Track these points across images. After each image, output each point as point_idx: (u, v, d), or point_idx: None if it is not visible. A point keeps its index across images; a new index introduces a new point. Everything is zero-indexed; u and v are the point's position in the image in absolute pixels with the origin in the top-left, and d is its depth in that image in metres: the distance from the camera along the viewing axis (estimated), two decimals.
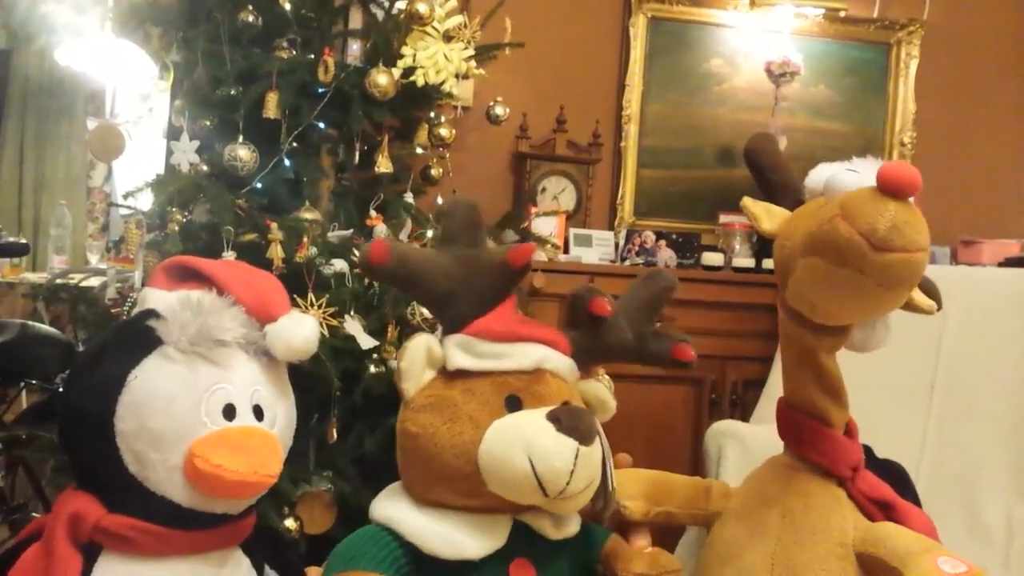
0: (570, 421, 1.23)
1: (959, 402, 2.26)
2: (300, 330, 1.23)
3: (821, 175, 1.42)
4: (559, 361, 1.38)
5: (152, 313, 1.17)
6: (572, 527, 1.38)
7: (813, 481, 1.46)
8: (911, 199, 1.19)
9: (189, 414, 1.13)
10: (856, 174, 1.31)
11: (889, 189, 1.17)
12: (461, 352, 1.33)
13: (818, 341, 1.40)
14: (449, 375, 1.34)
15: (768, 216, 1.44)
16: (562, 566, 1.40)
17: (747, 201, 1.47)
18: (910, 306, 1.40)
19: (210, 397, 1.15)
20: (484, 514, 1.30)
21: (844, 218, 1.20)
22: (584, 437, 1.23)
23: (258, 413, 1.20)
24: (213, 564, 1.20)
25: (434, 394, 1.33)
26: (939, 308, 1.44)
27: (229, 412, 1.16)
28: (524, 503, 1.28)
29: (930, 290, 1.44)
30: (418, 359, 1.34)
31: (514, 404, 1.30)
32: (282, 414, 1.25)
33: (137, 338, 1.16)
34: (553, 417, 1.24)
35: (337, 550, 1.31)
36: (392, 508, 1.34)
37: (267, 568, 1.31)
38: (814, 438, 1.45)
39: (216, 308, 1.18)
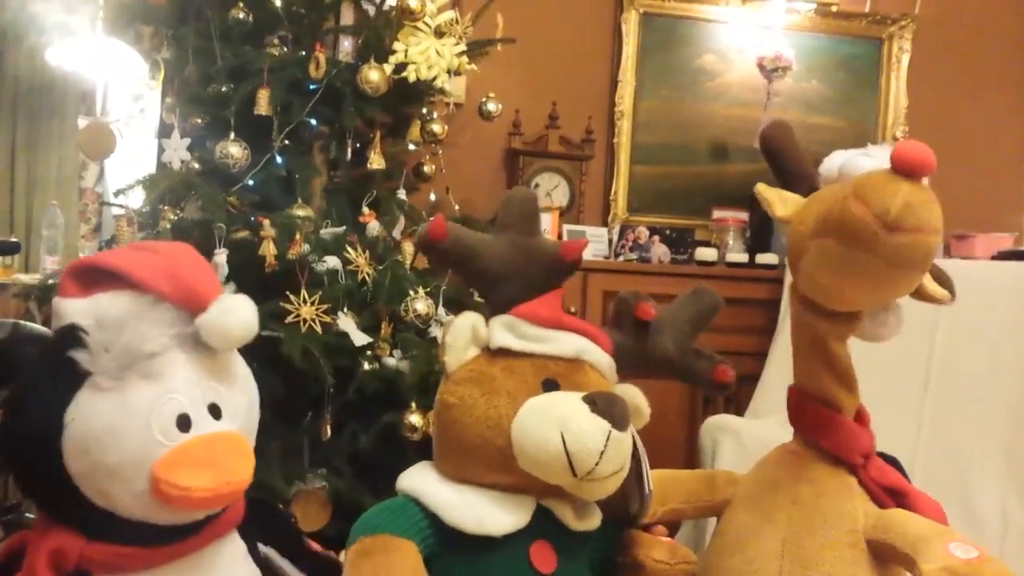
0: (605, 404, 1.25)
1: (953, 396, 2.26)
2: (235, 317, 1.12)
3: (835, 162, 1.41)
4: (599, 355, 1.40)
5: (70, 338, 1.05)
6: (594, 521, 1.39)
7: (823, 468, 1.45)
8: (925, 181, 1.18)
9: (141, 439, 1.04)
10: (871, 158, 1.30)
11: (903, 168, 1.16)
12: (506, 332, 1.35)
13: (830, 328, 1.40)
14: (491, 354, 1.36)
15: (782, 202, 1.43)
16: (582, 557, 1.41)
17: (761, 187, 1.46)
18: (923, 295, 1.39)
19: (158, 415, 1.05)
20: (509, 493, 1.31)
21: (857, 198, 1.18)
22: (618, 421, 1.24)
23: (215, 412, 1.11)
24: (208, 558, 1.16)
25: (475, 369, 1.35)
26: (953, 298, 1.43)
27: (183, 423, 1.07)
28: (552, 482, 1.28)
29: (943, 280, 1.43)
30: (463, 335, 1.36)
31: (552, 387, 1.32)
32: (242, 400, 1.17)
33: (62, 375, 1.04)
34: (589, 399, 1.25)
35: (363, 518, 1.32)
36: (419, 480, 1.36)
37: (260, 546, 1.28)
38: (825, 425, 1.45)
39: (135, 315, 1.06)
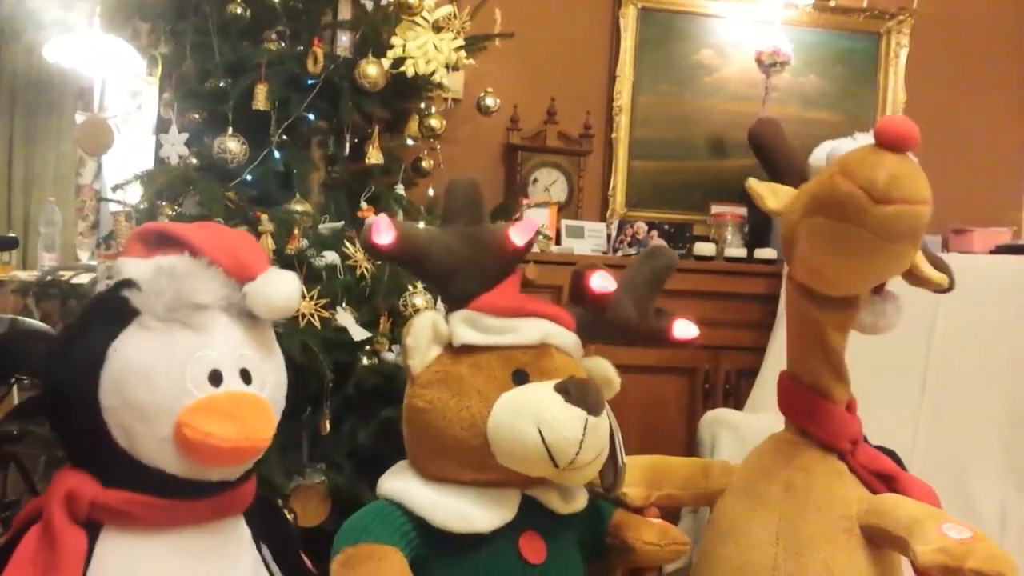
0: (578, 392, 1.24)
1: (952, 391, 2.26)
2: (280, 287, 1.20)
3: (824, 151, 1.43)
4: (564, 336, 1.39)
5: (127, 283, 1.14)
6: (580, 502, 1.39)
7: (815, 455, 1.46)
8: (910, 154, 1.19)
9: (173, 384, 1.10)
10: (858, 143, 1.31)
11: (887, 142, 1.18)
12: (467, 327, 1.34)
13: (826, 316, 1.41)
14: (455, 351, 1.34)
15: (773, 195, 1.44)
16: (571, 540, 1.41)
17: (752, 182, 1.47)
18: (920, 280, 1.39)
19: (194, 364, 1.12)
20: (493, 488, 1.31)
21: (843, 174, 1.21)
22: (592, 408, 1.24)
23: (246, 376, 1.17)
24: (215, 535, 1.19)
25: (441, 370, 1.33)
26: (951, 286, 1.43)
27: (215, 378, 1.13)
28: (533, 475, 1.28)
29: (940, 267, 1.43)
30: (424, 335, 1.35)
31: (521, 378, 1.31)
32: (272, 375, 1.23)
33: (113, 310, 1.13)
34: (562, 388, 1.25)
35: (346, 525, 1.31)
36: (400, 483, 1.35)
37: (262, 545, 1.30)
38: (815, 412, 1.46)
39: (191, 272, 1.15)
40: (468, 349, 1.33)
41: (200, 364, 1.12)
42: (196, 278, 1.15)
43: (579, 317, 1.44)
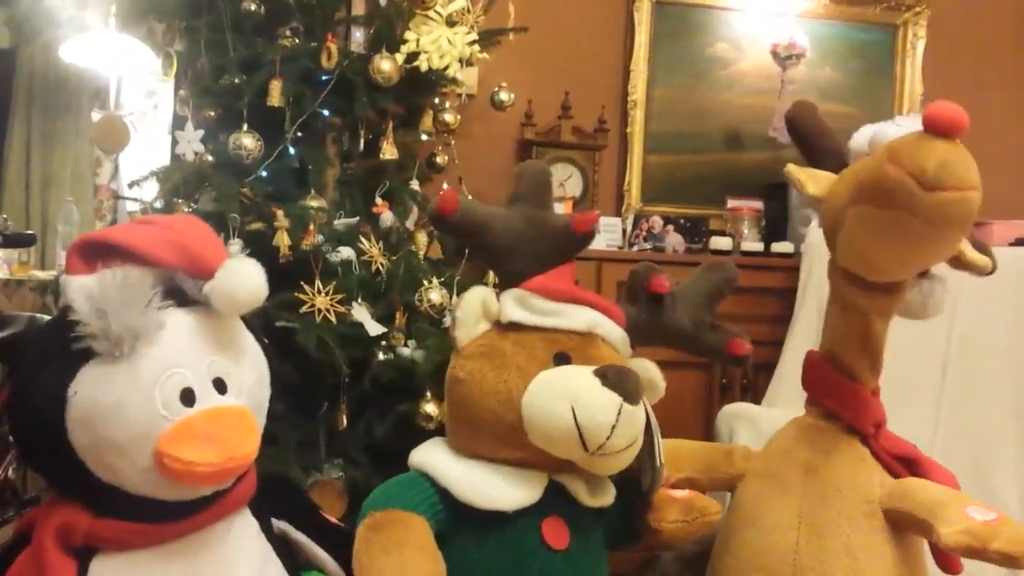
0: (617, 378, 1.23)
1: (971, 383, 2.24)
2: (242, 280, 1.11)
3: (865, 135, 1.40)
4: (611, 328, 1.39)
5: (71, 320, 1.04)
6: (607, 497, 1.38)
7: (837, 439, 1.44)
8: (958, 140, 1.17)
9: (144, 413, 1.03)
10: (900, 128, 1.29)
11: (936, 128, 1.16)
12: (516, 306, 1.34)
13: (872, 303, 1.39)
14: (502, 328, 1.35)
15: (813, 181, 1.42)
16: (596, 532, 1.40)
17: (791, 167, 1.45)
18: (963, 264, 1.37)
19: (162, 388, 1.05)
20: (521, 468, 1.30)
21: (892, 161, 1.18)
22: (629, 395, 1.22)
23: (220, 386, 1.11)
24: (217, 536, 1.16)
25: (485, 343, 1.34)
26: (994, 268, 1.40)
27: (187, 397, 1.07)
28: (563, 456, 1.27)
29: (983, 249, 1.40)
30: (473, 309, 1.36)
31: (563, 361, 1.31)
32: (248, 376, 1.17)
33: (64, 352, 1.04)
34: (600, 373, 1.24)
35: (374, 493, 1.32)
36: (430, 455, 1.36)
37: (274, 522, 1.28)
38: (841, 392, 1.44)
39: (131, 295, 1.05)
40: (515, 327, 1.34)
41: (169, 386, 1.06)
42: (138, 299, 1.05)
43: (631, 317, 1.45)
